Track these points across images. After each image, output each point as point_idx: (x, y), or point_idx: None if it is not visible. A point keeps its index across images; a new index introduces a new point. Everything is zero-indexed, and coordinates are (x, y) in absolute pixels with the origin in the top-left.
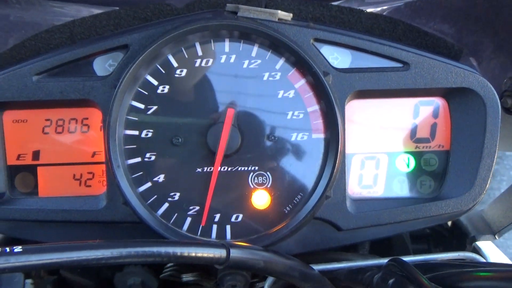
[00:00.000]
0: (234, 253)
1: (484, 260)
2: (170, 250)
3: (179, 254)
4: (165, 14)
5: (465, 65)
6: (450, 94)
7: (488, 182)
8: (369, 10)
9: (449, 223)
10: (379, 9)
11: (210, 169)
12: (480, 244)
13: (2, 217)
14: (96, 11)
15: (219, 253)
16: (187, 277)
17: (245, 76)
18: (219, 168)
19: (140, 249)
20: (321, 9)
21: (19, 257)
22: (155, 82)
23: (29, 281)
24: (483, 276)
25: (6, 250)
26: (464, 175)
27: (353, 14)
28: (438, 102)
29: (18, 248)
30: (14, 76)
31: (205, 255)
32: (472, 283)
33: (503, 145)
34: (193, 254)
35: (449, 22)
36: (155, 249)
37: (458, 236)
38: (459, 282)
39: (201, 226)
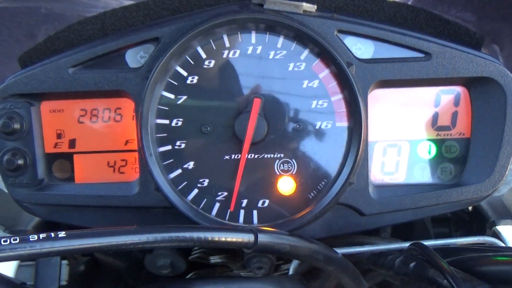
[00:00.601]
0: (262, 237)
1: (504, 245)
2: (202, 235)
3: (210, 238)
4: (192, 4)
5: (486, 54)
6: (471, 83)
7: (508, 169)
8: None
9: (470, 207)
10: None
11: (238, 156)
12: (500, 228)
13: (41, 202)
14: (126, 2)
15: (248, 237)
16: (214, 259)
17: (271, 67)
18: (246, 155)
19: (174, 234)
20: None
21: (63, 241)
22: (185, 73)
23: (65, 262)
24: (502, 260)
25: (52, 235)
26: (484, 162)
27: (376, 3)
28: (459, 90)
29: (62, 234)
30: (51, 68)
31: (234, 239)
32: (492, 267)
33: None
34: (223, 239)
35: (470, 10)
36: (187, 234)
37: (479, 220)
38: (479, 266)
39: (229, 211)
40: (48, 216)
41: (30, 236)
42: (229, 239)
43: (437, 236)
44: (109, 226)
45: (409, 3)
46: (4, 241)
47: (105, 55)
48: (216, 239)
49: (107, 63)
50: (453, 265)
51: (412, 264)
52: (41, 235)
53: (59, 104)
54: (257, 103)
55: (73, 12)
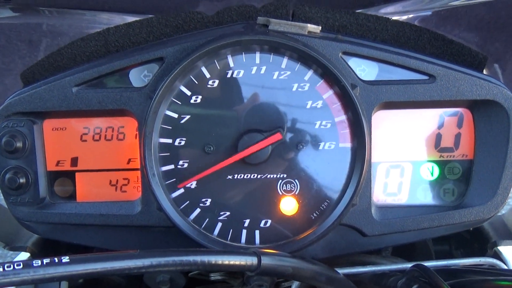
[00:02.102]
0: (265, 260)
1: (505, 267)
2: (205, 258)
3: (213, 262)
4: (195, 22)
5: (489, 75)
6: (475, 105)
7: (511, 191)
8: (395, 17)
9: None
10: (405, 17)
11: (241, 176)
12: (502, 249)
13: (42, 220)
14: (128, 18)
15: (251, 260)
16: (215, 276)
17: (275, 87)
18: (249, 175)
19: (177, 258)
20: (348, 17)
21: (66, 267)
22: (189, 93)
23: None
24: (504, 285)
25: (55, 260)
26: (486, 184)
27: (380, 22)
28: (462, 112)
29: (65, 259)
30: (55, 87)
31: (237, 263)
32: None
33: None
34: (226, 262)
35: (473, 30)
36: (190, 258)
37: (479, 239)
38: None
39: (231, 230)
40: (49, 234)
41: (33, 262)
42: (232, 262)
43: (438, 254)
44: (111, 249)
45: (415, 22)
46: (7, 267)
47: (109, 74)
48: (219, 262)
49: (110, 82)
50: None
51: (414, 287)
52: (45, 260)
53: (61, 122)
54: (276, 137)
55: (76, 29)
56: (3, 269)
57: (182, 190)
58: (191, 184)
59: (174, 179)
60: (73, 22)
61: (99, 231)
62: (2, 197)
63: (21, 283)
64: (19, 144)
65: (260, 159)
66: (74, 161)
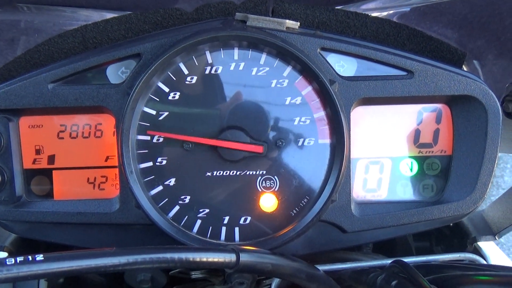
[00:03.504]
0: (244, 257)
1: (485, 262)
2: (183, 255)
3: (191, 259)
4: (174, 18)
5: (468, 71)
6: (453, 101)
7: (489, 187)
8: (374, 14)
9: None
10: (384, 13)
11: (220, 173)
12: (481, 244)
13: (19, 219)
14: (107, 15)
15: (229, 257)
16: (195, 274)
17: (254, 83)
18: (228, 172)
19: (154, 255)
20: (327, 14)
21: (41, 265)
22: (167, 89)
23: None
24: (483, 280)
25: (29, 258)
26: (465, 179)
27: (359, 19)
28: (441, 108)
29: (39, 257)
30: (31, 83)
31: (215, 260)
32: (473, 286)
33: (505, 148)
34: (205, 259)
35: (452, 27)
36: (168, 255)
37: (459, 235)
38: (460, 285)
39: (210, 228)
40: (27, 233)
41: (7, 260)
42: (210, 260)
43: (418, 250)
44: (87, 247)
45: (394, 19)
46: None
47: (86, 70)
48: (198, 259)
49: (87, 78)
50: (435, 284)
51: (394, 283)
52: (18, 259)
53: (38, 119)
54: (257, 149)
55: (55, 26)
56: None
57: (161, 187)
58: (170, 181)
59: (153, 176)
60: (51, 19)
61: (77, 229)
62: None
63: None
64: None
65: (236, 157)
66: (51, 159)
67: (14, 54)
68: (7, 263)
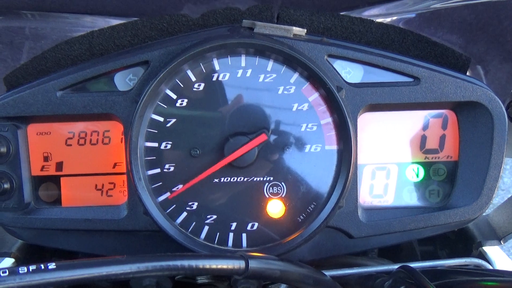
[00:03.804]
0: (253, 264)
1: (490, 267)
2: (193, 263)
3: (201, 266)
4: (180, 25)
5: (473, 76)
6: (459, 107)
7: (495, 192)
8: (379, 20)
9: None
10: (389, 19)
11: (227, 179)
12: (487, 249)
13: (27, 226)
14: (113, 21)
15: (238, 264)
16: (201, 279)
17: (261, 90)
18: (236, 179)
19: (164, 263)
20: (332, 20)
21: (53, 273)
22: (174, 96)
23: None
24: (489, 285)
25: (41, 267)
26: (471, 185)
27: (364, 25)
28: (447, 114)
29: (52, 265)
30: (39, 91)
31: (225, 267)
32: None
33: (510, 153)
34: (214, 266)
35: (457, 32)
36: (178, 263)
37: (464, 239)
38: None
39: (218, 234)
40: (34, 240)
41: (19, 268)
42: (219, 267)
43: (423, 255)
44: (97, 255)
45: (399, 24)
46: None
47: (94, 78)
48: (207, 266)
49: (95, 86)
50: None
51: None
52: (31, 267)
53: (46, 126)
54: (261, 139)
55: (59, 32)
56: None
57: (168, 194)
58: (178, 188)
59: (161, 183)
60: (56, 25)
61: (84, 236)
62: None
63: None
64: (3, 149)
65: (247, 162)
66: (59, 166)
67: (18, 60)
68: (20, 272)
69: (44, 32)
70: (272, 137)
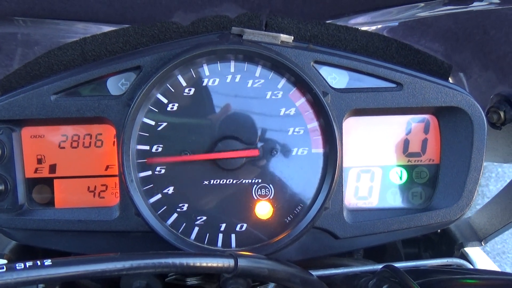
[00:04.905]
0: (242, 262)
1: (472, 266)
2: (184, 261)
3: (192, 264)
4: (171, 32)
5: (454, 83)
6: (440, 112)
7: (475, 194)
8: (364, 28)
9: None
10: (373, 27)
11: (217, 181)
12: (468, 250)
13: (21, 226)
14: (105, 28)
15: (228, 262)
16: (191, 281)
17: (249, 95)
18: (225, 181)
19: (157, 261)
20: (319, 28)
21: (49, 269)
22: (165, 101)
23: (41, 285)
24: (470, 283)
25: (38, 263)
26: (452, 187)
27: (349, 33)
28: (429, 119)
29: (48, 261)
30: (33, 95)
31: (215, 265)
32: None
33: (490, 157)
34: (204, 264)
35: (439, 40)
36: (169, 260)
37: (447, 241)
38: None
39: (207, 235)
40: (28, 241)
41: (16, 265)
42: (209, 265)
43: (407, 256)
44: (91, 253)
45: (383, 33)
46: None
47: (87, 82)
48: (198, 264)
49: (88, 90)
50: (424, 287)
51: (384, 287)
52: (27, 263)
53: (40, 129)
54: (253, 152)
55: (52, 38)
56: None
57: (159, 196)
58: (168, 190)
59: (152, 185)
60: (48, 32)
61: (77, 237)
62: None
63: (4, 286)
64: None
65: (233, 166)
66: (53, 168)
67: (9, 66)
68: (17, 268)
69: (36, 38)
70: (260, 141)
